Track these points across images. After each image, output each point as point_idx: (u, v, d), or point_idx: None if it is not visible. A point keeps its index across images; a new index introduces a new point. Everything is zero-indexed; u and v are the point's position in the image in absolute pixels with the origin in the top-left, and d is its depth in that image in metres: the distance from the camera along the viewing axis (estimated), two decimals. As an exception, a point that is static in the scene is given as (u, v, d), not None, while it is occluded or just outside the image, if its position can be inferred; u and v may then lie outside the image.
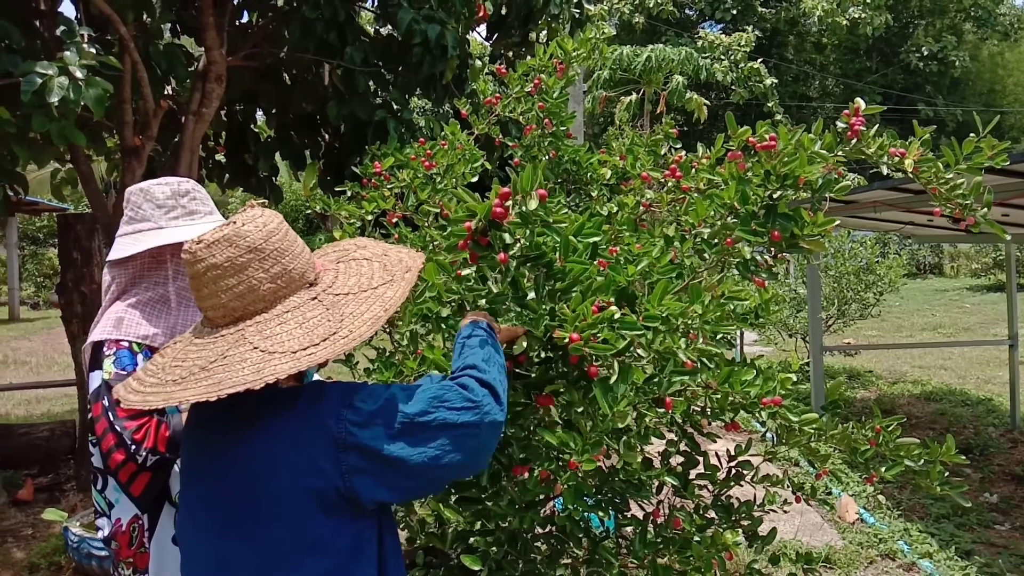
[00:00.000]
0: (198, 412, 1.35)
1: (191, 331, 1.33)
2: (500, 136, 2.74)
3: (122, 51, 4.43)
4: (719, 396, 1.66)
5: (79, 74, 3.26)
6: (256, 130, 6.31)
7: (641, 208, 2.24)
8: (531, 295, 1.62)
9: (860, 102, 1.99)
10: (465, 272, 1.71)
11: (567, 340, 1.48)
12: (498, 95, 2.54)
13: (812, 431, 2.14)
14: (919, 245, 21.49)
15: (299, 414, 1.23)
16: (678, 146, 2.44)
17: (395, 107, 5.30)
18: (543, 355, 1.68)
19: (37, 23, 4.49)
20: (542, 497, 1.89)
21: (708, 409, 1.80)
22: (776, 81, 26.85)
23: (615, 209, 2.30)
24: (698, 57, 23.42)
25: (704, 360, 1.76)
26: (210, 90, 4.92)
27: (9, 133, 3.82)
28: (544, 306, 1.61)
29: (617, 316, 1.51)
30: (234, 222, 1.26)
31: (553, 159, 2.60)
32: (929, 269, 24.95)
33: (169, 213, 1.79)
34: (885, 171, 1.99)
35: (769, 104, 25.62)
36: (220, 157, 6.42)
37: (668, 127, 2.44)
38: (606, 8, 26.19)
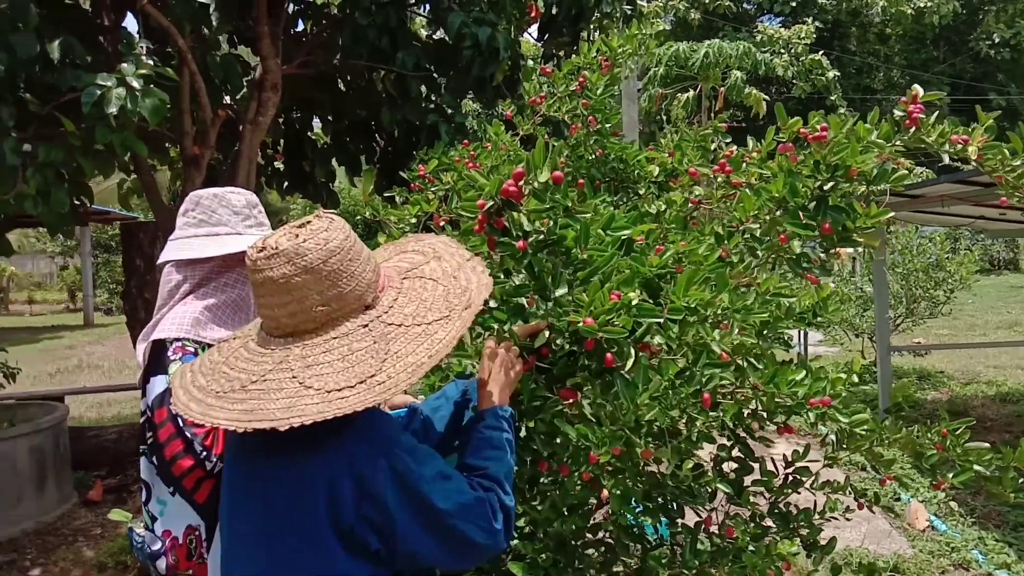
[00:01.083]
0: None
1: (254, 329, 1.33)
2: (546, 136, 2.70)
3: (180, 63, 4.54)
4: (766, 397, 1.59)
5: (136, 85, 3.35)
6: (313, 137, 6.40)
7: (690, 205, 2.18)
8: (559, 290, 1.59)
9: (918, 89, 1.90)
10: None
11: (580, 324, 1.45)
12: (543, 95, 2.51)
13: (873, 435, 2.06)
14: (992, 240, 20.66)
15: (340, 451, 1.20)
16: (728, 140, 2.37)
17: (448, 111, 5.32)
18: (566, 347, 1.64)
19: (102, 39, 4.65)
20: (591, 502, 1.85)
21: (758, 412, 1.73)
22: (838, 74, 26.17)
23: (663, 207, 2.24)
24: (756, 52, 22.97)
25: (752, 360, 1.70)
26: (266, 99, 5.01)
27: (74, 145, 3.95)
28: (565, 296, 1.58)
29: (635, 302, 1.47)
30: (297, 234, 1.22)
31: (600, 157, 2.56)
32: (1004, 265, 23.95)
33: (245, 220, 1.82)
34: (947, 159, 1.90)
35: (832, 97, 24.98)
36: (279, 164, 6.54)
37: (719, 121, 2.37)
38: (661, 5, 25.89)
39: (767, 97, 22.48)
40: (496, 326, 1.72)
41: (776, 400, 1.60)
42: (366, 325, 1.23)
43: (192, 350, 1.69)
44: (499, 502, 1.32)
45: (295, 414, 1.11)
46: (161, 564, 1.67)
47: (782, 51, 25.33)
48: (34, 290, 25.43)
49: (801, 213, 1.69)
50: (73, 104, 3.78)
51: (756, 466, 1.93)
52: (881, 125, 1.83)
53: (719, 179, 2.15)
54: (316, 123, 6.60)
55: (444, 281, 1.35)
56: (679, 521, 1.90)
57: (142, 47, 3.74)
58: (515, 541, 1.90)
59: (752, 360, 1.74)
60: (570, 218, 1.67)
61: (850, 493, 2.11)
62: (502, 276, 1.75)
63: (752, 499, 1.92)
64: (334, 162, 6.31)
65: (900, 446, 2.02)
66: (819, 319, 2.32)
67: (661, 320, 1.54)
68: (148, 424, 1.69)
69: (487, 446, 1.41)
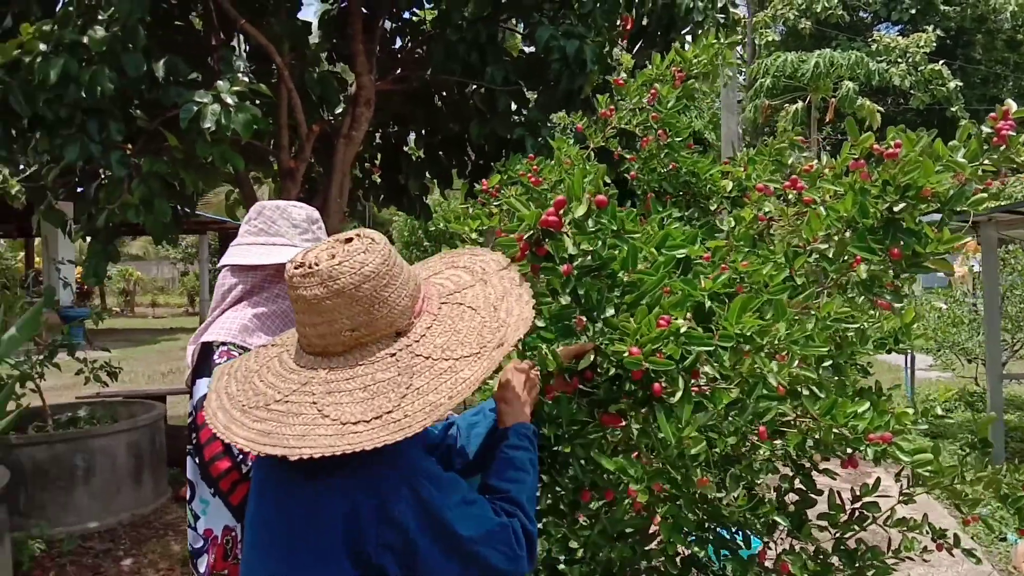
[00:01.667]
0: None
1: (293, 339, 1.32)
2: (618, 149, 2.66)
3: (278, 79, 4.73)
4: (823, 429, 1.50)
5: (230, 101, 3.51)
6: (408, 151, 6.55)
7: (760, 222, 2.09)
8: (609, 311, 1.54)
9: (1011, 104, 1.76)
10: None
11: (626, 354, 1.40)
12: (612, 107, 2.47)
13: (954, 471, 1.92)
14: None
15: (359, 476, 1.19)
16: (805, 154, 2.26)
17: (536, 125, 5.34)
18: (611, 371, 1.59)
19: (210, 58, 4.90)
20: (638, 529, 1.79)
21: (816, 443, 1.63)
22: (961, 84, 24.76)
23: (732, 224, 2.17)
24: (870, 61, 22.02)
25: (813, 388, 1.61)
26: (359, 114, 5.15)
27: (177, 158, 4.18)
28: (610, 319, 1.54)
29: (684, 329, 1.41)
30: (334, 255, 1.19)
31: (672, 171, 2.50)
32: None
33: (303, 234, 1.86)
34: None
35: (953, 108, 23.65)
36: (376, 178, 6.72)
37: (793, 136, 2.27)
38: (770, 15, 25.23)
39: (881, 109, 21.51)
40: (543, 347, 1.70)
41: (835, 432, 1.50)
42: (394, 354, 1.20)
43: (237, 355, 1.74)
44: (522, 527, 1.29)
45: (307, 444, 1.11)
46: (202, 563, 1.72)
47: (899, 60, 24.19)
48: (157, 294, 27.07)
49: (869, 235, 1.59)
50: (177, 120, 4.00)
51: (820, 499, 1.82)
52: (969, 143, 1.71)
53: (791, 196, 2.06)
54: (412, 137, 6.76)
55: (483, 311, 1.30)
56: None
57: (239, 65, 3.91)
58: (561, 566, 1.86)
59: (814, 388, 1.66)
60: (618, 239, 1.63)
61: (927, 532, 1.97)
62: (549, 296, 1.73)
63: (813, 534, 1.82)
64: (427, 175, 6.43)
65: (984, 485, 1.88)
66: (901, 345, 2.19)
67: (711, 348, 1.47)
68: (192, 424, 1.75)
69: (510, 467, 1.37)
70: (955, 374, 8.53)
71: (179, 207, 4.73)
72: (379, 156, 6.61)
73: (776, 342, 1.52)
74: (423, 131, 6.30)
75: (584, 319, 1.66)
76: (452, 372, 1.19)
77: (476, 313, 1.30)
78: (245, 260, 1.80)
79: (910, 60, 24.23)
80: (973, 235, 5.93)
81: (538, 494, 1.53)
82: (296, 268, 1.20)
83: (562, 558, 1.82)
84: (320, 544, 1.18)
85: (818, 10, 25.33)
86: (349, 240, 1.24)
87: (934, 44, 24.73)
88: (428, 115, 6.10)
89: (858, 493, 1.90)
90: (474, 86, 5.43)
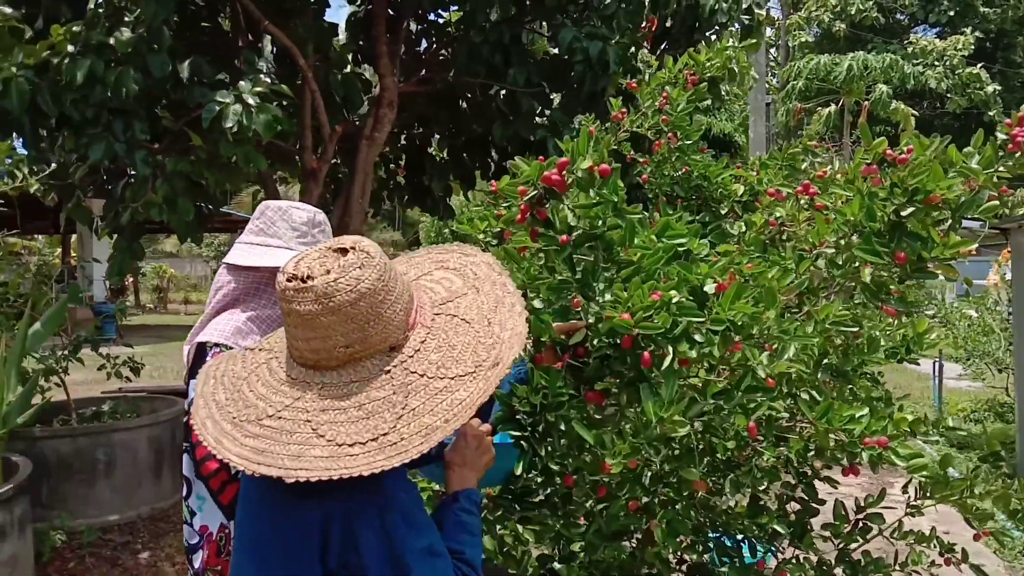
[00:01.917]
0: None
1: (281, 344, 1.29)
2: (631, 152, 2.65)
3: (303, 81, 4.78)
4: (819, 433, 1.48)
5: (251, 101, 3.55)
6: (432, 152, 6.58)
7: (771, 227, 2.07)
8: (601, 288, 1.54)
9: (1026, 108, 1.73)
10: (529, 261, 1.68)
11: (616, 319, 1.41)
12: (623, 110, 2.46)
13: (963, 484, 1.88)
14: None
15: (336, 497, 1.17)
16: (819, 159, 2.23)
17: (558, 126, 5.33)
18: (602, 349, 1.58)
19: (236, 60, 4.96)
20: (632, 528, 1.78)
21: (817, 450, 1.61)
22: (1000, 87, 24.26)
23: (743, 228, 2.15)
24: (904, 64, 21.67)
25: (813, 392, 1.59)
26: (382, 115, 5.18)
27: (202, 158, 4.24)
28: (604, 296, 1.53)
29: (676, 300, 1.40)
30: (329, 269, 1.17)
31: (685, 174, 2.48)
32: None
33: (301, 238, 1.84)
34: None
35: (991, 112, 23.18)
36: (400, 179, 6.76)
37: (807, 141, 2.24)
38: (804, 17, 24.95)
39: (915, 113, 21.16)
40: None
41: (831, 437, 1.48)
42: (388, 371, 1.18)
43: None
44: None
45: (302, 466, 1.09)
46: (197, 559, 1.74)
47: (936, 63, 23.78)
48: (190, 291, 27.44)
49: (875, 239, 1.57)
50: (201, 120, 4.06)
51: (821, 508, 1.80)
52: (984, 149, 1.68)
53: (803, 201, 2.03)
54: (436, 139, 6.79)
55: (477, 324, 1.27)
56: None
57: (262, 66, 3.95)
58: (557, 565, 1.85)
59: (813, 392, 1.64)
60: (619, 217, 1.64)
61: (935, 547, 1.93)
62: (546, 273, 1.73)
63: (815, 543, 1.79)
64: (451, 177, 6.45)
65: (994, 500, 1.84)
66: (912, 355, 2.15)
67: (702, 321, 1.46)
68: (187, 424, 1.76)
69: (463, 531, 1.35)
70: (985, 384, 8.36)
71: (204, 206, 4.79)
72: (404, 157, 6.65)
73: (766, 331, 1.50)
74: (447, 133, 6.32)
75: (580, 298, 1.66)
76: (448, 392, 1.16)
77: (470, 327, 1.26)
78: (239, 260, 1.80)
79: (947, 63, 23.80)
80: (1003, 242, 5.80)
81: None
82: (289, 281, 1.17)
83: (556, 556, 1.82)
84: (291, 554, 1.18)
85: (852, 12, 24.98)
86: (344, 251, 1.20)
87: (972, 47, 24.26)
88: (451, 117, 6.12)
89: (862, 504, 1.87)
90: (497, 88, 5.44)
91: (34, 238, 21.11)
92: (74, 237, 17.88)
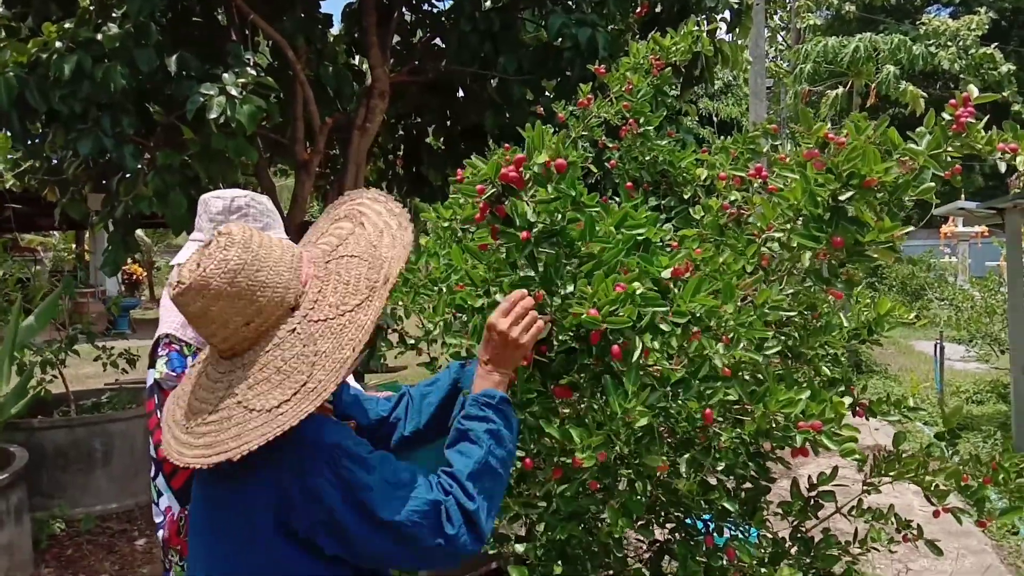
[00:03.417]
0: None
1: (213, 350, 1.33)
2: (602, 138, 2.67)
3: (293, 73, 4.81)
4: (759, 416, 1.50)
5: (234, 92, 3.59)
6: (430, 142, 6.60)
7: (724, 211, 2.09)
8: (567, 283, 1.57)
9: (973, 89, 1.73)
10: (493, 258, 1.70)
11: (584, 315, 1.43)
12: (590, 96, 2.48)
13: (915, 462, 1.90)
14: None
15: (285, 456, 1.22)
16: (778, 143, 2.24)
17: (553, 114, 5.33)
18: (568, 344, 1.61)
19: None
20: (590, 509, 1.81)
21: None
22: (1015, 67, 23.91)
23: (701, 213, 2.16)
24: (913, 45, 21.39)
25: (758, 375, 1.62)
26: (374, 105, 5.21)
27: (194, 152, 4.28)
28: (566, 287, 1.56)
29: (640, 291, 1.43)
30: (199, 263, 1.21)
31: (652, 160, 2.49)
32: None
33: (219, 227, 1.89)
34: (1003, 168, 1.72)
35: (1004, 94, 22.86)
36: (399, 169, 6.79)
37: (767, 125, 2.25)
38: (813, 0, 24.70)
39: (925, 95, 20.90)
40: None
41: (768, 420, 1.50)
42: (293, 329, 1.23)
43: (178, 348, 1.82)
44: (457, 504, 1.27)
45: (243, 441, 1.16)
46: (160, 535, 1.81)
47: (948, 44, 23.46)
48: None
49: (813, 225, 1.59)
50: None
51: (769, 486, 1.82)
52: (934, 131, 1.69)
53: (756, 184, 2.05)
54: (433, 128, 6.81)
55: (366, 255, 1.32)
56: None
57: (249, 59, 3.99)
58: (517, 546, 1.89)
59: (759, 375, 1.66)
60: (578, 211, 1.66)
61: (892, 524, 1.95)
62: (508, 269, 1.75)
63: (766, 521, 1.82)
64: (448, 166, 6.47)
65: (946, 476, 1.86)
66: (874, 336, 2.17)
67: (666, 310, 1.49)
68: (145, 411, 1.83)
69: (462, 438, 1.37)
70: (990, 365, 8.32)
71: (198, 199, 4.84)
72: (402, 148, 6.68)
73: (724, 323, 1.53)
74: (442, 122, 6.34)
75: (543, 293, 1.68)
76: (351, 323, 1.23)
77: (360, 260, 1.31)
78: (175, 259, 1.86)
79: (960, 44, 23.48)
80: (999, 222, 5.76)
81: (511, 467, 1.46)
82: (174, 290, 1.22)
83: (513, 536, 1.85)
84: (244, 530, 1.23)
85: (862, -7, 24.70)
86: (208, 243, 1.26)
87: (987, 27, 23.91)
88: (444, 106, 6.14)
89: (815, 481, 1.90)
90: (489, 77, 5.45)
91: (50, 234, 21.31)
92: (88, 232, 18.07)
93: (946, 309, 10.05)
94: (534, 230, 1.63)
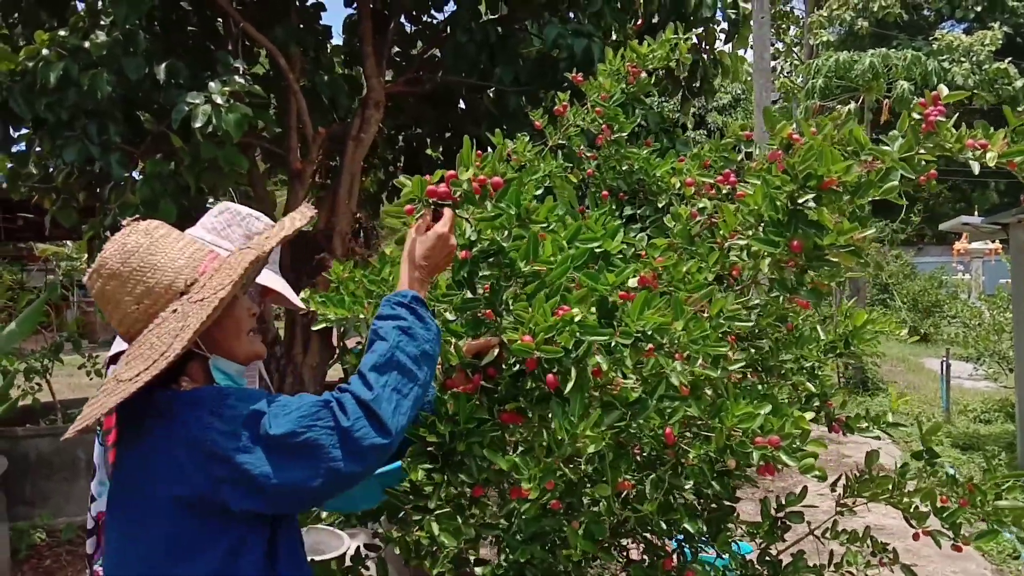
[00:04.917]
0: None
1: None
2: (581, 148, 2.62)
3: (286, 83, 4.79)
4: (715, 432, 1.43)
5: (220, 100, 3.57)
6: (429, 153, 6.58)
7: (694, 219, 2.02)
8: (508, 302, 1.51)
9: (942, 88, 1.68)
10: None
11: (518, 341, 1.36)
12: (565, 104, 2.43)
13: (888, 482, 1.83)
14: None
15: (173, 422, 1.22)
16: (751, 150, 2.19)
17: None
18: (515, 368, 1.54)
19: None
20: (550, 530, 1.74)
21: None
22: (1030, 82, 23.68)
23: (672, 222, 2.10)
24: (926, 61, 21.25)
25: (718, 390, 1.55)
26: (369, 116, 5.18)
27: (184, 161, 4.26)
28: (507, 311, 1.50)
29: (578, 319, 1.36)
30: (104, 247, 1.29)
31: (629, 168, 2.44)
32: None
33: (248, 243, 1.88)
34: (976, 168, 1.65)
35: (1019, 108, 22.67)
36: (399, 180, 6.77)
37: (737, 128, 2.19)
38: (826, 15, 24.63)
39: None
40: (449, 340, 1.66)
41: (724, 436, 1.43)
42: (175, 310, 1.25)
43: None
44: (352, 396, 1.21)
45: (98, 408, 1.19)
46: (91, 544, 1.74)
47: (962, 59, 23.29)
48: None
49: (771, 229, 1.53)
50: (183, 122, 4.08)
51: (733, 507, 1.75)
52: (907, 130, 1.63)
53: (724, 190, 1.99)
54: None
55: (255, 245, 1.35)
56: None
57: (236, 67, 3.98)
58: (477, 569, 1.81)
59: (718, 390, 1.59)
60: (522, 228, 1.60)
61: (868, 547, 1.87)
62: (455, 288, 1.69)
63: (728, 543, 1.74)
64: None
65: (921, 496, 1.78)
66: (851, 349, 2.09)
67: (606, 339, 1.42)
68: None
69: (375, 337, 1.32)
70: (998, 384, 8.16)
71: (190, 208, 4.82)
72: (402, 159, 6.66)
73: (676, 341, 1.46)
74: (441, 133, 6.31)
75: (492, 312, 1.62)
76: (221, 288, 1.24)
77: (251, 250, 1.33)
78: None
79: (974, 59, 23.30)
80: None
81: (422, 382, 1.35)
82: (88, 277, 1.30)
83: (472, 559, 1.79)
84: (147, 505, 1.21)
85: (875, 9, 24.57)
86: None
87: (1001, 42, 23.73)
88: (443, 117, 6.12)
89: (783, 502, 1.82)
90: (486, 88, 5.42)
91: (64, 244, 21.48)
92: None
93: (955, 326, 9.91)
94: (474, 249, 1.57)
